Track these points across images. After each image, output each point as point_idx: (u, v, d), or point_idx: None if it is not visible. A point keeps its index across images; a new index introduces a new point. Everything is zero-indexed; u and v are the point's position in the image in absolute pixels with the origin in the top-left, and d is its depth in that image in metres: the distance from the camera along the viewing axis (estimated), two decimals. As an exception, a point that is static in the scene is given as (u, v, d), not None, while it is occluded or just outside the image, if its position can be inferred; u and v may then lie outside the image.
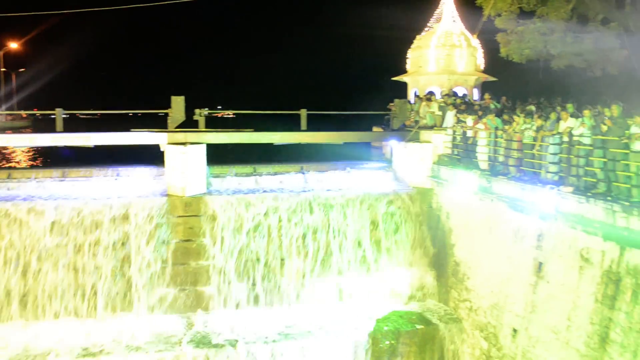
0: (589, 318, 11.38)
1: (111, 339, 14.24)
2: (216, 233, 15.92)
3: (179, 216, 16.04)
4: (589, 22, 21.31)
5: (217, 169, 18.38)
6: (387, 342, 14.69)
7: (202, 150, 17.23)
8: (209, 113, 19.44)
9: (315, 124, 19.65)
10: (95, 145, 17.58)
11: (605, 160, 12.21)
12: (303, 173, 18.69)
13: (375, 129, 23.11)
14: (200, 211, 16.10)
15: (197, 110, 18.78)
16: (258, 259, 16.00)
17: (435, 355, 15.19)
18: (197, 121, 18.74)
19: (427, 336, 15.06)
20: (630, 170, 11.48)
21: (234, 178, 18.10)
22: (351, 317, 15.76)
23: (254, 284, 15.90)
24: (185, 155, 16.66)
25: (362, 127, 23.48)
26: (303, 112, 19.25)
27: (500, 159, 15.79)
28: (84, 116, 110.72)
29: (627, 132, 11.72)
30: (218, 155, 18.65)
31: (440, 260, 17.21)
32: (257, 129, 18.89)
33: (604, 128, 12.23)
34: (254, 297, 15.87)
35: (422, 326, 15.15)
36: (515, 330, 13.58)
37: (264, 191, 17.06)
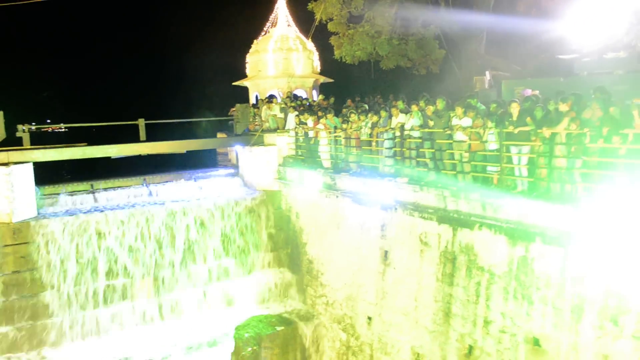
0: (432, 296, 12.19)
1: None
2: (52, 260, 14.53)
3: (7, 245, 14.35)
4: (411, 25, 22.93)
5: (49, 189, 16.75)
6: (250, 349, 14.48)
7: (29, 169, 15.57)
8: (35, 128, 17.70)
9: (156, 134, 18.81)
10: None
11: (433, 150, 13.16)
12: (146, 185, 17.78)
13: (219, 135, 22.77)
14: (31, 237, 14.55)
15: (19, 126, 17.02)
16: (107, 281, 14.95)
17: (298, 355, 15.33)
18: (21, 138, 17.00)
19: (288, 337, 15.13)
20: (455, 158, 12.55)
21: (68, 197, 16.64)
22: (212, 327, 15.41)
23: (105, 307, 14.83)
24: (9, 176, 14.91)
25: (206, 134, 23.06)
26: (141, 122, 18.30)
27: (342, 156, 16.31)
28: None
29: (449, 123, 12.75)
30: (50, 174, 17.07)
31: (294, 259, 17.38)
32: (93, 142, 17.60)
33: (431, 123, 13.18)
34: (105, 322, 14.79)
35: (282, 327, 15.17)
36: (369, 318, 14.12)
37: (104, 209, 15.93)
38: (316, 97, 25.75)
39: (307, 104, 20.85)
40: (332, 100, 20.65)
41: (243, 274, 16.74)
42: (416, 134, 13.65)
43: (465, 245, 11.48)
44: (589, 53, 18.12)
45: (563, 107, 10.59)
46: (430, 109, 13.40)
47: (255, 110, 21.81)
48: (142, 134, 18.35)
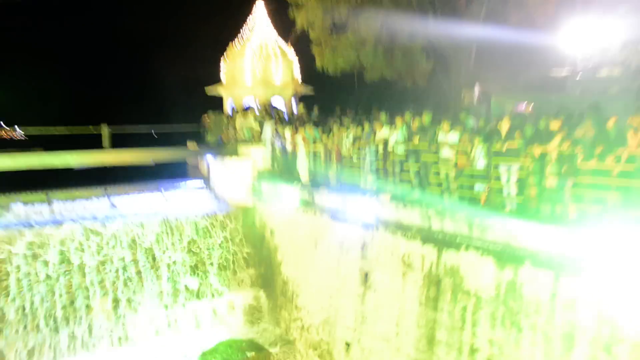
0: (415, 322, 12.15)
1: None
2: (3, 276, 14.16)
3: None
4: (397, 35, 23.15)
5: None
6: (217, 377, 14.32)
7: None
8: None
9: (121, 143, 18.57)
10: None
11: (418, 167, 13.28)
12: (108, 197, 17.57)
13: (190, 144, 22.71)
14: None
15: None
16: (64, 300, 14.59)
17: (269, 383, 15.18)
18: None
19: (259, 364, 15.00)
20: (441, 175, 12.67)
21: (21, 207, 16.32)
22: (176, 353, 15.16)
23: (61, 330, 14.46)
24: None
25: (176, 144, 22.91)
26: (104, 129, 18.09)
27: (321, 170, 16.36)
28: None
29: (435, 138, 12.90)
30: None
31: (268, 280, 17.28)
32: (50, 149, 17.29)
33: (416, 139, 13.32)
34: (62, 347, 14.40)
35: (253, 353, 15.02)
36: (348, 344, 14.05)
37: (61, 221, 15.63)
38: (295, 108, 25.78)
39: (285, 116, 20.93)
40: (316, 111, 20.75)
41: (212, 294, 16.57)
42: (400, 149, 13.78)
43: (451, 267, 11.49)
44: (583, 69, 18.50)
45: (554, 125, 10.76)
46: (415, 124, 13.54)
47: (229, 119, 21.78)
48: (106, 141, 18.11)
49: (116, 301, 15.19)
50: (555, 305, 9.53)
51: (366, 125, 15.15)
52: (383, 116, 15.20)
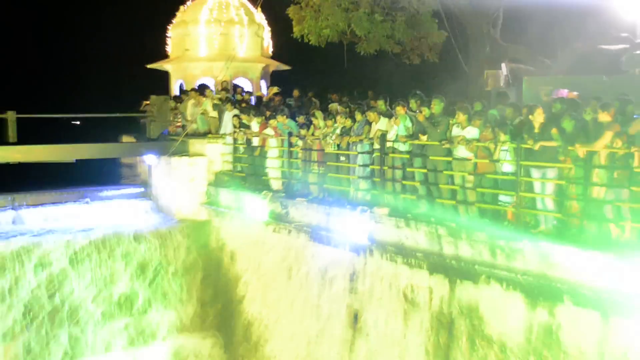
0: (419, 378, 12.14)
1: None
2: None
3: None
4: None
5: None
6: None
7: None
8: None
9: (33, 136, 18.49)
10: None
11: (425, 171, 13.25)
12: (14, 209, 17.48)
13: (125, 138, 22.61)
14: None
15: None
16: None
17: None
18: None
19: None
20: (455, 182, 12.65)
21: None
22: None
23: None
24: None
25: (107, 137, 22.79)
26: (11, 117, 17.98)
27: (298, 175, 16.35)
28: None
29: (448, 134, 12.87)
30: None
31: (226, 320, 17.26)
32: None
33: (423, 138, 13.30)
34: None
35: None
36: (330, 408, 14.01)
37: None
38: (266, 91, 25.72)
39: (252, 102, 20.86)
40: (296, 94, 20.69)
41: (147, 340, 16.55)
42: (403, 147, 13.76)
43: (467, 305, 11.48)
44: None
45: (604, 117, 10.76)
46: (423, 113, 13.46)
47: (178, 105, 21.67)
48: (12, 132, 17.98)
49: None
50: (604, 356, 9.50)
51: (358, 115, 15.09)
52: (381, 103, 15.13)
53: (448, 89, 17.26)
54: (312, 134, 16.00)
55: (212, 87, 22.96)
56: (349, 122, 15.18)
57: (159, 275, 17.02)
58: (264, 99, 21.76)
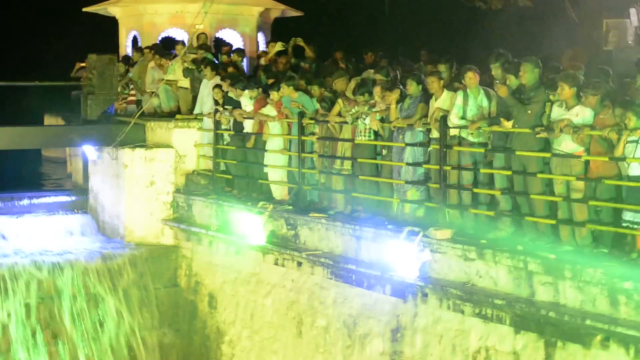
0: None
1: None
2: None
3: None
4: None
5: None
6: None
7: None
8: None
9: None
10: None
11: (510, 174, 13.09)
12: None
13: (49, 119, 22.79)
14: None
15: None
16: None
17: None
18: None
19: None
20: (555, 191, 12.46)
21: None
22: None
23: None
24: None
25: (22, 118, 22.79)
26: None
27: (313, 178, 16.52)
28: None
29: (545, 118, 12.72)
30: None
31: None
32: None
33: (507, 125, 13.02)
34: None
35: None
36: None
37: None
38: (265, 48, 25.51)
39: (245, 66, 20.99)
40: (310, 52, 20.77)
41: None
42: (473, 136, 13.76)
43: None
44: None
45: None
46: (507, 85, 13.28)
47: (130, 69, 21.44)
48: None
49: None
50: None
51: (412, 86, 14.92)
52: (443, 67, 15.13)
53: (547, 47, 16.99)
54: (338, 115, 15.85)
55: (184, 44, 22.80)
56: (391, 97, 14.94)
57: (105, 328, 17.13)
58: (262, 62, 21.92)
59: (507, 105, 13.11)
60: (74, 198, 20.35)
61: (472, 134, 13.67)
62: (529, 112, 12.80)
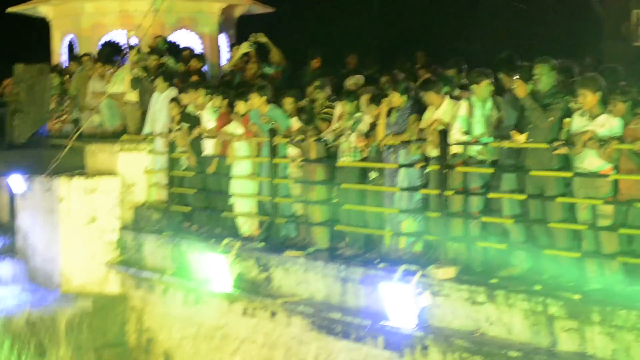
0: None
1: None
2: None
3: None
4: None
5: None
6: None
7: None
8: None
9: None
10: None
11: (524, 197, 13.17)
12: None
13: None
14: None
15: None
16: None
17: None
18: None
19: None
20: (579, 217, 12.41)
21: None
22: None
23: None
24: None
25: None
26: None
27: (288, 209, 16.97)
28: None
29: (564, 129, 12.66)
30: None
31: None
32: None
33: (517, 138, 12.97)
34: None
35: None
36: None
37: None
38: (229, 52, 25.54)
39: (204, 69, 21.35)
40: (275, 58, 20.65)
41: None
42: (479, 152, 13.90)
43: None
44: None
45: None
46: (519, 90, 13.11)
47: (66, 81, 21.39)
48: None
49: None
50: None
51: (392, 95, 14.98)
52: (452, 72, 15.77)
53: (561, 47, 17.08)
54: (315, 131, 15.91)
55: (130, 47, 22.75)
56: (383, 106, 14.92)
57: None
58: (225, 67, 22.22)
59: (524, 109, 12.99)
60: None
61: (479, 148, 13.61)
62: (550, 118, 12.70)
